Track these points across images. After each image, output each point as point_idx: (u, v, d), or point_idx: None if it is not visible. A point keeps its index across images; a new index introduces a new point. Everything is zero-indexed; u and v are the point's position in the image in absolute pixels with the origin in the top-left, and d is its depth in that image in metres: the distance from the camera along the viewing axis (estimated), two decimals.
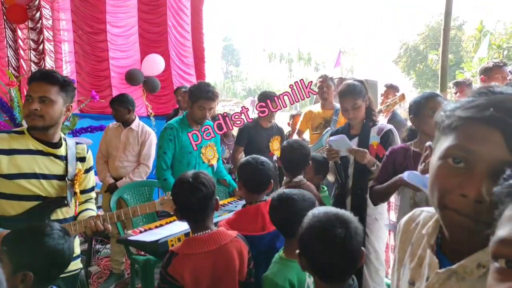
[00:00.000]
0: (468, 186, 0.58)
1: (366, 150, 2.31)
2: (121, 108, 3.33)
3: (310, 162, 2.29)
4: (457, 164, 0.60)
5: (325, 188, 2.54)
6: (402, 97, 3.20)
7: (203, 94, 2.62)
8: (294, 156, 2.21)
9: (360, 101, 2.38)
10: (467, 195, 0.58)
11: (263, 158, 1.91)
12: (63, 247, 1.23)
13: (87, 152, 1.83)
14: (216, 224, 1.75)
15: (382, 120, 3.74)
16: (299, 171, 2.20)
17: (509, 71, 3.68)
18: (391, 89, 3.82)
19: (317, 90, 3.54)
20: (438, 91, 3.96)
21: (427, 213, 0.79)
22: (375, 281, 2.43)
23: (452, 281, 0.65)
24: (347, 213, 1.12)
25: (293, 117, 4.64)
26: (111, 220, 1.73)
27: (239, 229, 1.70)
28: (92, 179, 1.90)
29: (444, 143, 0.63)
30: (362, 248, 1.10)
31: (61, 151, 1.71)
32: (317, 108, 3.66)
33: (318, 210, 1.15)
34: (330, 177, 2.69)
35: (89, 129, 3.89)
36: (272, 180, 1.92)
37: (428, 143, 0.76)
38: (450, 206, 0.61)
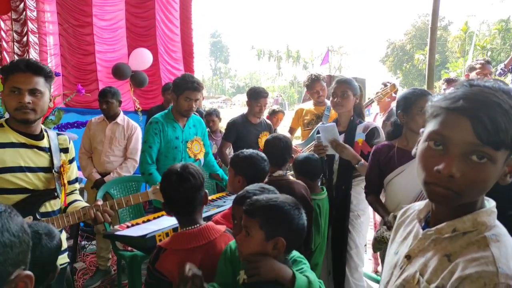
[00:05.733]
0: (441, 164, 0.71)
1: (346, 145, 2.34)
2: (114, 101, 3.28)
3: (292, 161, 2.27)
4: (437, 147, 0.73)
5: (325, 190, 2.43)
6: (393, 87, 3.25)
7: (188, 85, 2.61)
8: (274, 149, 2.20)
9: (351, 93, 2.46)
10: (441, 171, 0.71)
11: (262, 153, 1.92)
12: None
13: (69, 143, 1.81)
14: (209, 218, 1.73)
15: (378, 120, 3.78)
16: (279, 166, 2.19)
17: (501, 68, 3.84)
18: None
19: (309, 91, 3.59)
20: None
21: (423, 202, 0.90)
22: (354, 277, 2.49)
23: (431, 246, 0.79)
24: None
25: (274, 112, 4.64)
26: (104, 210, 1.70)
27: None
28: (75, 170, 1.88)
29: (427, 129, 0.76)
30: None
31: (44, 143, 1.68)
32: (308, 105, 3.70)
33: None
34: None
35: (75, 124, 3.82)
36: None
37: (421, 129, 0.85)
38: (429, 181, 0.74)
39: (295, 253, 1.35)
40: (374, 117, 4.00)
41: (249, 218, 1.23)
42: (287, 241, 1.19)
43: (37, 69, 1.58)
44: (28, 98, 1.55)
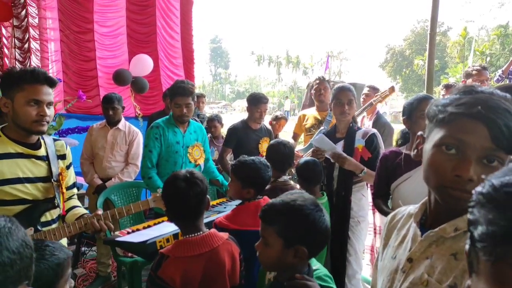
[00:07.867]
0: (461, 169, 0.72)
1: (347, 157, 2.35)
2: (119, 106, 3.31)
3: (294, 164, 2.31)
4: (449, 151, 0.74)
5: (325, 195, 2.42)
6: (392, 89, 3.24)
7: (174, 90, 2.65)
8: (278, 155, 2.22)
9: (354, 100, 2.48)
10: (461, 175, 0.72)
11: (264, 160, 1.93)
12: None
13: (66, 148, 1.79)
14: (209, 224, 1.73)
15: (366, 123, 3.79)
16: (283, 171, 2.20)
17: (499, 74, 3.84)
18: (374, 90, 3.85)
19: (313, 92, 3.62)
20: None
21: (413, 206, 0.92)
22: (352, 283, 2.50)
23: (433, 247, 0.80)
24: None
25: (277, 118, 4.67)
26: (105, 219, 1.70)
27: (240, 224, 1.69)
28: (73, 175, 1.86)
29: (438, 134, 0.76)
30: None
31: (42, 152, 1.65)
32: (311, 111, 3.72)
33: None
34: None
35: (76, 130, 3.84)
36: None
37: (419, 133, 0.86)
38: (447, 185, 0.75)
39: (322, 270, 1.26)
40: (361, 120, 3.97)
41: (266, 225, 1.16)
42: (309, 248, 1.12)
43: (52, 81, 1.59)
44: (48, 111, 1.55)
